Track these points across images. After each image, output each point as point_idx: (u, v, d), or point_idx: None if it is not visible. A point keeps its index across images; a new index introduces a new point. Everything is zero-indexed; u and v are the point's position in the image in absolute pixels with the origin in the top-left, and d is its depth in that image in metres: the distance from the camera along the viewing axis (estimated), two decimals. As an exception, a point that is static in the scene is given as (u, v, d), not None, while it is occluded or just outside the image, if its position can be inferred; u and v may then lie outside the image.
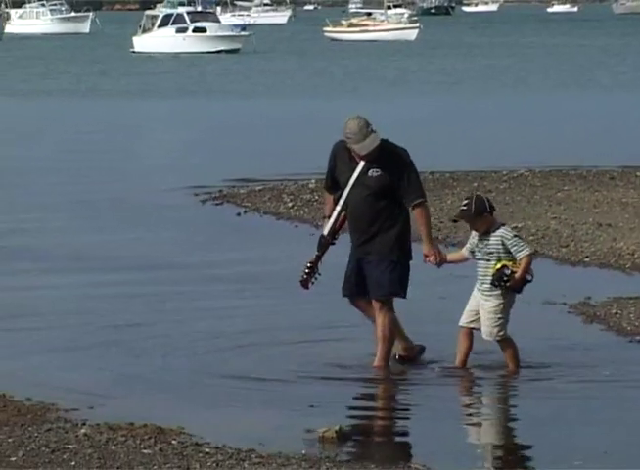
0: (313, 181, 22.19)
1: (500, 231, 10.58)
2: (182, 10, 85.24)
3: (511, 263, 10.48)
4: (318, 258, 10.94)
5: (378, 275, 10.73)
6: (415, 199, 10.58)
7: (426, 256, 10.73)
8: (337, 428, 8.93)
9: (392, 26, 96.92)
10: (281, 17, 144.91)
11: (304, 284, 10.96)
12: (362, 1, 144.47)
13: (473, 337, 10.68)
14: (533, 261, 11.06)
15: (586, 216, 18.27)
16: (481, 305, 10.61)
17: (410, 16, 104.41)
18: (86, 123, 38.42)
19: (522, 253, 10.54)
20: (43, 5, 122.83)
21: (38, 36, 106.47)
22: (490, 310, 10.53)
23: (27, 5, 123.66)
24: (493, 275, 10.44)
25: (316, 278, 10.94)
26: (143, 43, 78.56)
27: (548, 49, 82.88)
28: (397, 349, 10.93)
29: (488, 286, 10.52)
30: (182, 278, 15.36)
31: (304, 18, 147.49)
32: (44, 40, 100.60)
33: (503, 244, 10.51)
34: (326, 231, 10.97)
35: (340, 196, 10.90)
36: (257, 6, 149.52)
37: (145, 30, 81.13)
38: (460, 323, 10.65)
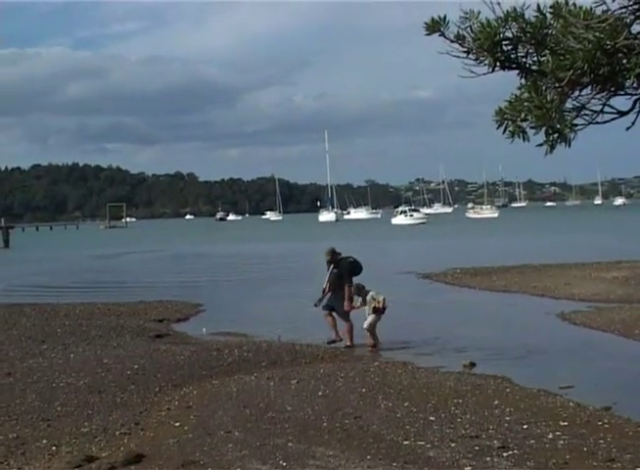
0: (465, 269, 20.36)
1: (369, 294, 10.15)
2: (406, 208, 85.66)
3: (376, 303, 10.05)
4: (322, 297, 10.33)
5: (339, 308, 10.20)
6: (346, 283, 10.10)
7: (347, 307, 10.13)
8: (469, 361, 8.72)
9: (488, 212, 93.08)
10: (449, 209, 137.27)
11: (315, 305, 10.31)
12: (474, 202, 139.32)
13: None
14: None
15: (561, 280, 16.90)
16: (366, 317, 10.12)
17: (493, 208, 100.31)
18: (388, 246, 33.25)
19: (380, 298, 10.12)
20: (361, 207, 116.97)
21: (359, 219, 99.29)
22: (370, 321, 10.04)
23: (354, 208, 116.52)
24: (372, 309, 10.04)
25: (318, 304, 10.28)
26: (394, 220, 78.93)
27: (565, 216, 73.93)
28: (345, 338, 10.22)
29: (369, 313, 10.09)
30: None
31: (458, 209, 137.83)
32: (363, 221, 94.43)
33: (372, 297, 10.09)
34: (324, 286, 10.38)
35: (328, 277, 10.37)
36: (438, 205, 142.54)
37: (394, 216, 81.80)
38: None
